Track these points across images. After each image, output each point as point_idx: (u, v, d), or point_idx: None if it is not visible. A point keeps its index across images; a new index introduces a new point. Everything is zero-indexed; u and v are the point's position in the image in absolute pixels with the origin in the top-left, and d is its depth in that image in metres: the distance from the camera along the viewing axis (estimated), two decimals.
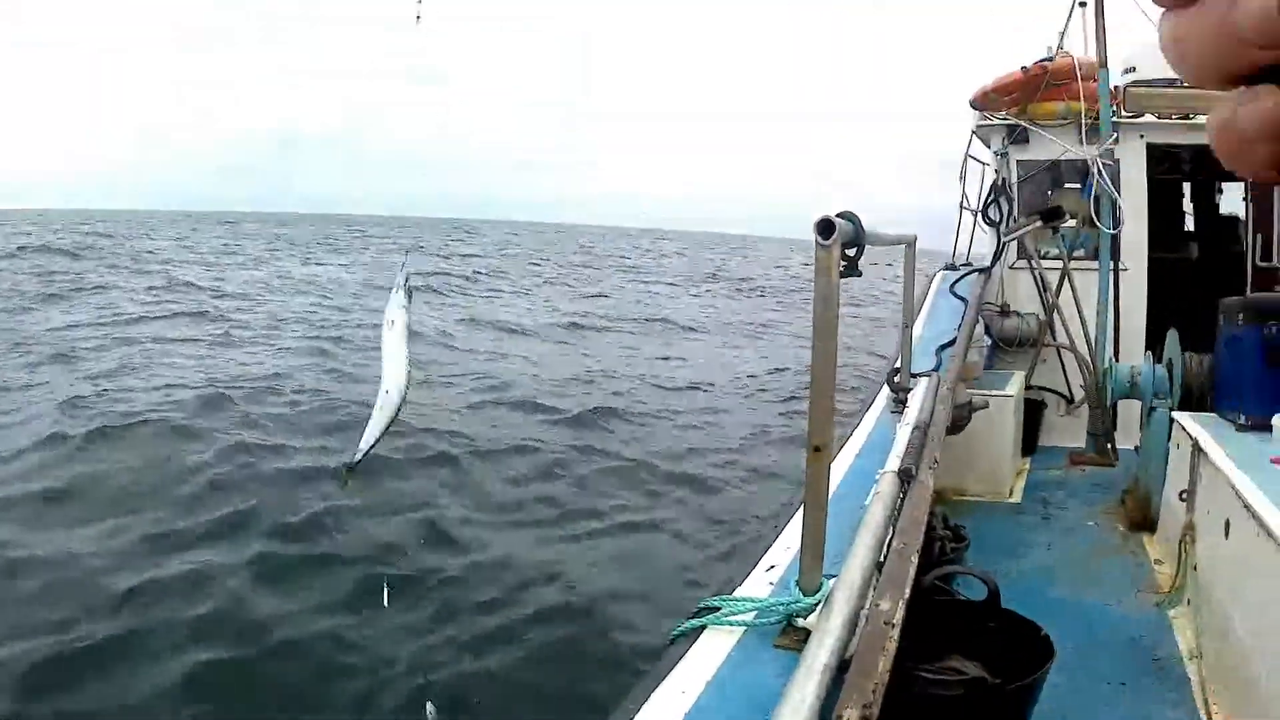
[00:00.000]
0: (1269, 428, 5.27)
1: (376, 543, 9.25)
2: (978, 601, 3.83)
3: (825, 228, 2.41)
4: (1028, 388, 9.37)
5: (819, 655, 2.20)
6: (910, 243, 5.39)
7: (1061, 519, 7.45)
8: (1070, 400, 9.86)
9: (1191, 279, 10.05)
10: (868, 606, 2.52)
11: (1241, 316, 5.89)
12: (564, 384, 17.84)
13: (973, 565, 5.80)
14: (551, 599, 8.47)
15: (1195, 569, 5.29)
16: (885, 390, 5.66)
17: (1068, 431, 9.67)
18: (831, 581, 2.62)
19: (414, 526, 9.77)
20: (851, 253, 2.70)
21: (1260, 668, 3.70)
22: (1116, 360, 8.55)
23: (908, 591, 2.63)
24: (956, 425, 6.51)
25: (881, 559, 2.88)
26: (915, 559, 2.89)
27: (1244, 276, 9.38)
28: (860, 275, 2.78)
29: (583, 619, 8.05)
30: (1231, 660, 4.19)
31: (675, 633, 2.66)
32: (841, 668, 2.19)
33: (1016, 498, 8.04)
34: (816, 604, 2.55)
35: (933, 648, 3.76)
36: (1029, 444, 9.28)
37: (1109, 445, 9.03)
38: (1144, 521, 6.95)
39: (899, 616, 2.46)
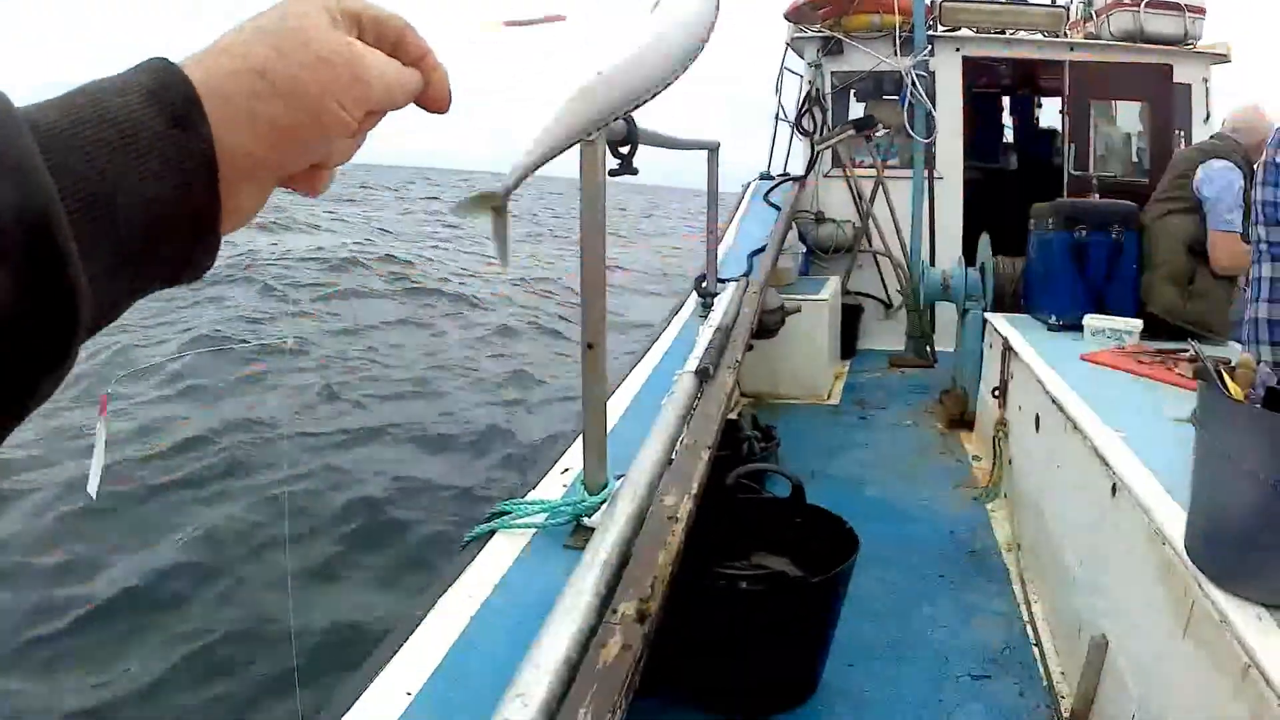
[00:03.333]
0: (1080, 328, 5.42)
1: None
2: (783, 498, 3.87)
3: None
4: (845, 293, 9.55)
5: (599, 552, 2.18)
6: (714, 148, 5.38)
7: (879, 419, 7.57)
8: (888, 305, 10.04)
9: (1010, 188, 10.26)
10: (654, 503, 2.52)
11: (1051, 221, 5.98)
12: None
13: (787, 466, 5.89)
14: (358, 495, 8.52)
15: (1010, 463, 5.43)
16: (694, 296, 5.66)
17: (887, 335, 9.87)
18: (620, 480, 2.61)
19: None
20: (625, 150, 2.66)
21: (1071, 556, 3.79)
22: (933, 266, 8.69)
23: (695, 487, 2.63)
24: (770, 329, 6.55)
25: (673, 457, 2.89)
26: (706, 455, 2.89)
27: (1061, 186, 9.62)
28: (636, 173, 2.74)
29: (385, 524, 8.07)
30: (1045, 549, 4.29)
31: (467, 538, 2.61)
32: (625, 564, 2.19)
33: (835, 400, 8.13)
34: (602, 502, 2.54)
35: (738, 545, 3.80)
36: (848, 348, 9.48)
37: (927, 347, 9.22)
38: (961, 419, 7.11)
39: (684, 511, 2.46)
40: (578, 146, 2.36)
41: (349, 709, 1.82)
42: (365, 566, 7.31)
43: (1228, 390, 2.26)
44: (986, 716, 3.60)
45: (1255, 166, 3.99)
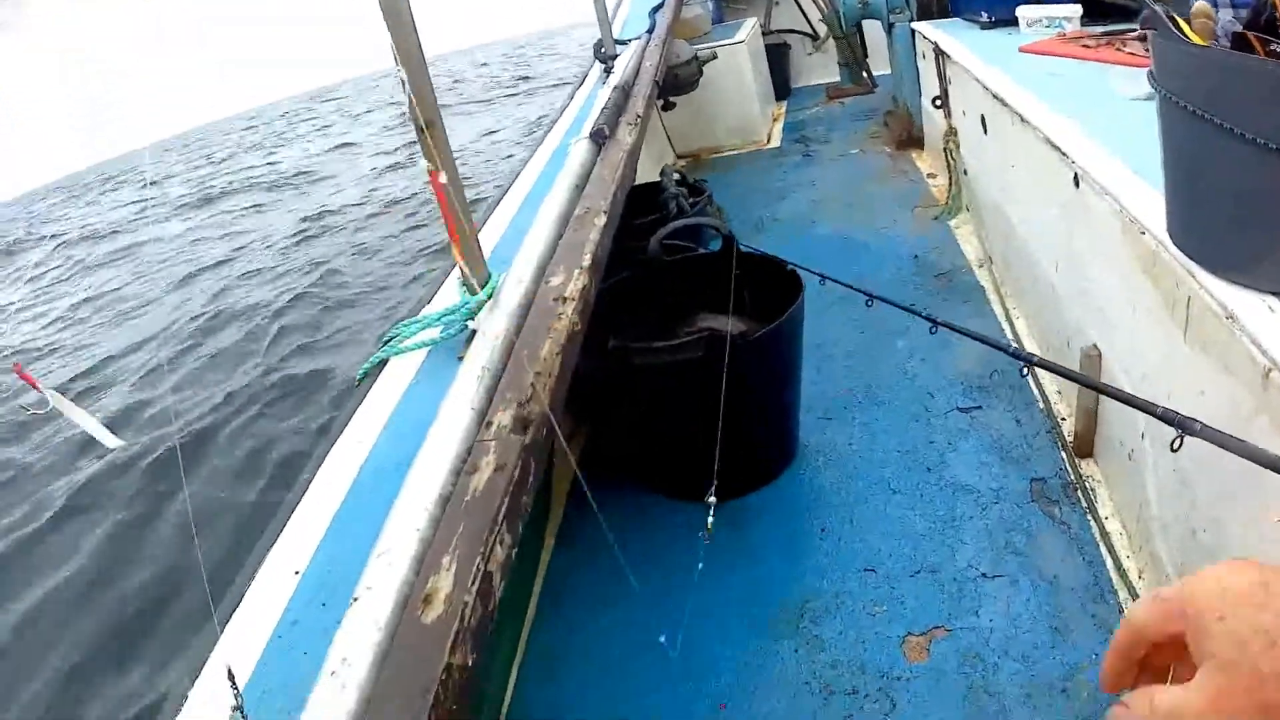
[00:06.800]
0: (1014, 22, 5.00)
1: None
2: (715, 253, 3.53)
3: None
4: (768, 33, 9.16)
5: (479, 357, 1.86)
6: None
7: (824, 154, 7.27)
8: (814, 37, 9.60)
9: None
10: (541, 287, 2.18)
11: None
12: None
13: (733, 220, 5.56)
14: None
15: (966, 174, 5.13)
16: (597, 64, 5.23)
17: (820, 69, 9.56)
18: (502, 274, 2.26)
19: None
20: None
21: (1046, 262, 3.51)
22: None
23: (587, 259, 2.27)
24: (686, 83, 6.20)
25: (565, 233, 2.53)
26: (600, 221, 2.53)
27: None
28: None
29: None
30: (1018, 260, 4.03)
31: (359, 375, 2.27)
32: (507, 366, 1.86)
33: (776, 143, 7.84)
34: (488, 299, 2.18)
35: (678, 313, 3.48)
36: (782, 89, 9.18)
37: (863, 73, 8.84)
38: (910, 138, 6.81)
39: (575, 289, 2.11)
40: None
41: (240, 602, 1.52)
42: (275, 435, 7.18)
43: (1186, 35, 1.85)
44: (984, 451, 3.36)
45: None
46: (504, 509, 1.46)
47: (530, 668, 2.98)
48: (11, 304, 15.41)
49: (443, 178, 2.06)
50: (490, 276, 2.23)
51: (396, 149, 20.37)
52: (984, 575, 2.85)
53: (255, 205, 16.97)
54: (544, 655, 3.02)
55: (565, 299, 2.07)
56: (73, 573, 6.07)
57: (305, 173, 20.04)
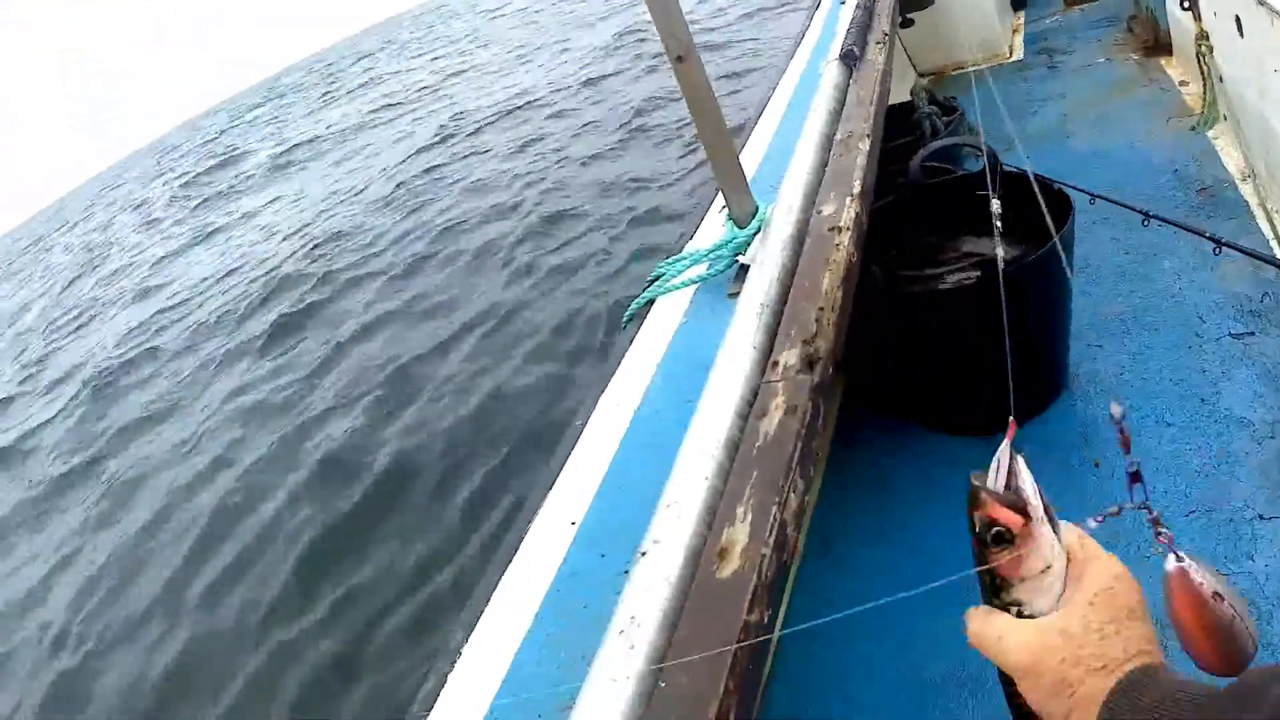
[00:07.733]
0: None
1: None
2: (978, 173, 3.39)
3: None
4: None
5: (755, 293, 1.79)
6: None
7: (1069, 64, 6.99)
8: None
9: None
10: (813, 217, 2.09)
11: None
12: None
13: (984, 137, 5.37)
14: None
15: (1221, 81, 4.80)
16: None
17: None
18: (769, 205, 2.18)
19: None
20: None
21: None
22: None
23: (857, 186, 2.18)
24: None
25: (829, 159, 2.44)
26: (865, 145, 2.43)
27: None
28: None
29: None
30: None
31: (625, 317, 2.24)
32: (786, 300, 1.79)
33: (1018, 55, 7.58)
34: (756, 233, 2.11)
35: (941, 238, 3.37)
36: None
37: None
38: (1157, 44, 6.45)
39: (848, 218, 2.03)
40: None
41: (516, 550, 1.51)
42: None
43: None
44: (1259, 381, 3.18)
45: None
46: (797, 455, 1.40)
47: (796, 608, 2.94)
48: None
49: (701, 111, 2.01)
50: (757, 208, 2.17)
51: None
52: (1260, 516, 2.72)
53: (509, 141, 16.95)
54: (810, 593, 2.98)
55: (840, 229, 1.99)
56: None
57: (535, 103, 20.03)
